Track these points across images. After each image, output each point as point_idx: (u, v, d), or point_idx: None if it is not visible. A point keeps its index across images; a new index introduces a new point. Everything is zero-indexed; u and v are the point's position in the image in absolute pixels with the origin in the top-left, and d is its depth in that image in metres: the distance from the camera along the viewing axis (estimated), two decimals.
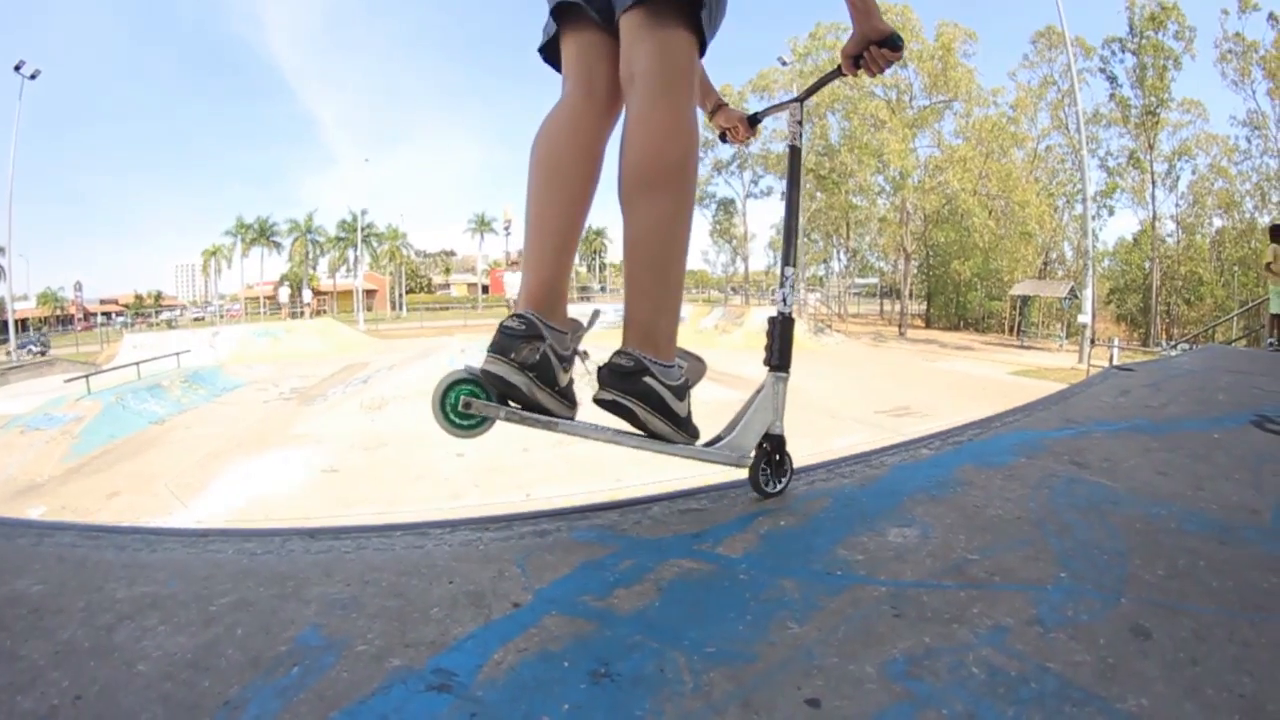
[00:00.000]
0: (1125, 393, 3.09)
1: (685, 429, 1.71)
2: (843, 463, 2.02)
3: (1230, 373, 3.80)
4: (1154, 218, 42.35)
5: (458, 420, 1.58)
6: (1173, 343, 35.58)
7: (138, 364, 19.33)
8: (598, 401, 1.64)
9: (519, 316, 1.58)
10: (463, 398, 1.56)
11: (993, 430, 2.49)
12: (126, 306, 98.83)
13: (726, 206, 52.94)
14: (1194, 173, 41.60)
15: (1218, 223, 42.12)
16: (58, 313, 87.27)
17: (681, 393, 1.70)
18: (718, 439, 1.79)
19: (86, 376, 16.64)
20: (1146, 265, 43.15)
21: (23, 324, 68.98)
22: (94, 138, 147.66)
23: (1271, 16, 35.57)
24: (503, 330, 1.57)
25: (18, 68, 37.28)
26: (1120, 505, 1.75)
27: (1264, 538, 1.59)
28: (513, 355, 1.55)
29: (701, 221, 62.39)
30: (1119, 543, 1.52)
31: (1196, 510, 1.74)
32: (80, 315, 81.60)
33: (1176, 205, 42.88)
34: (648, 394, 1.62)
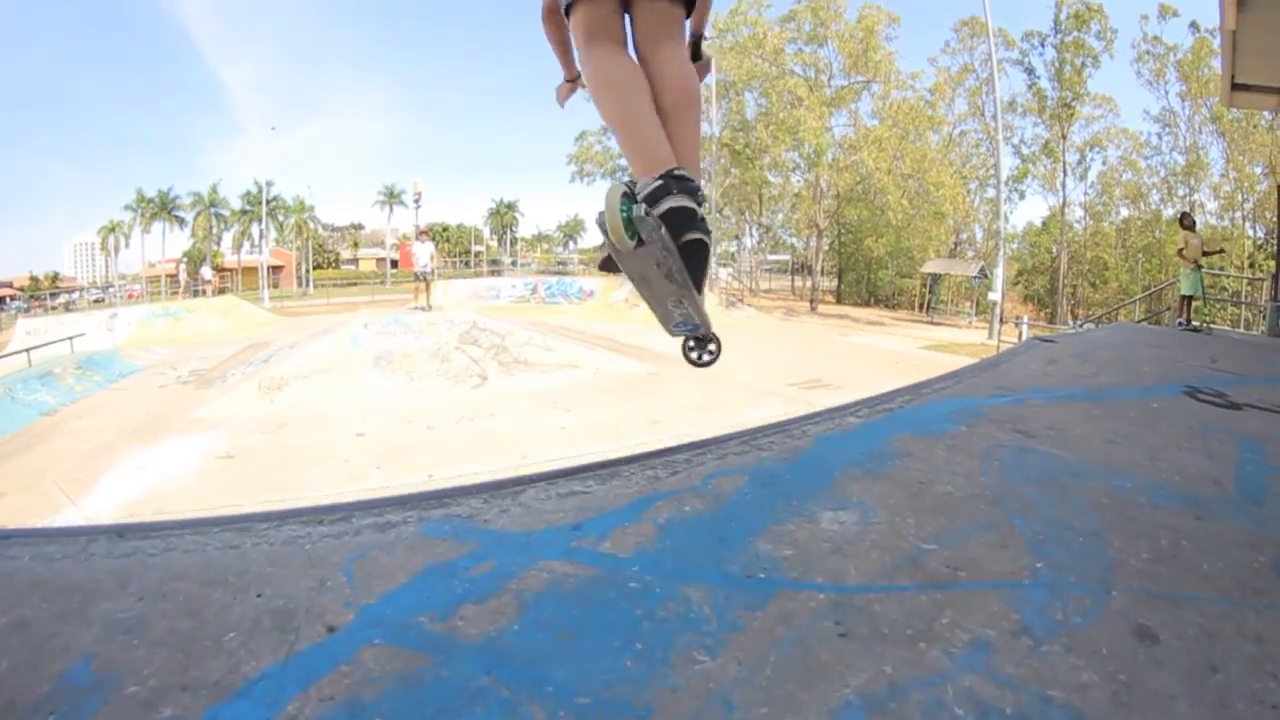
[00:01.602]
0: (1053, 362, 3.08)
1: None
2: (759, 434, 1.68)
3: (1148, 347, 3.85)
4: (1064, 204, 43.77)
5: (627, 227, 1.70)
6: (1079, 322, 36.93)
7: (28, 351, 18.07)
8: (673, 209, 1.82)
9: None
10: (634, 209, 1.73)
11: (924, 397, 2.27)
12: (21, 290, 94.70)
13: None
14: (1104, 163, 43.11)
15: (1124, 212, 43.74)
16: None
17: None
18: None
19: None
20: (1054, 249, 44.71)
21: None
22: None
23: (1193, 24, 36.94)
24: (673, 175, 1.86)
25: None
26: (1079, 477, 1.54)
27: (1236, 511, 1.45)
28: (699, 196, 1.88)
29: None
30: (1090, 521, 1.29)
31: (1160, 482, 1.57)
32: None
33: (1085, 194, 44.36)
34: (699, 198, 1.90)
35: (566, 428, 9.10)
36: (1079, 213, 45.11)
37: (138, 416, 12.75)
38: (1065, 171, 43.42)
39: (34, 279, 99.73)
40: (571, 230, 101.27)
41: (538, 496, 1.36)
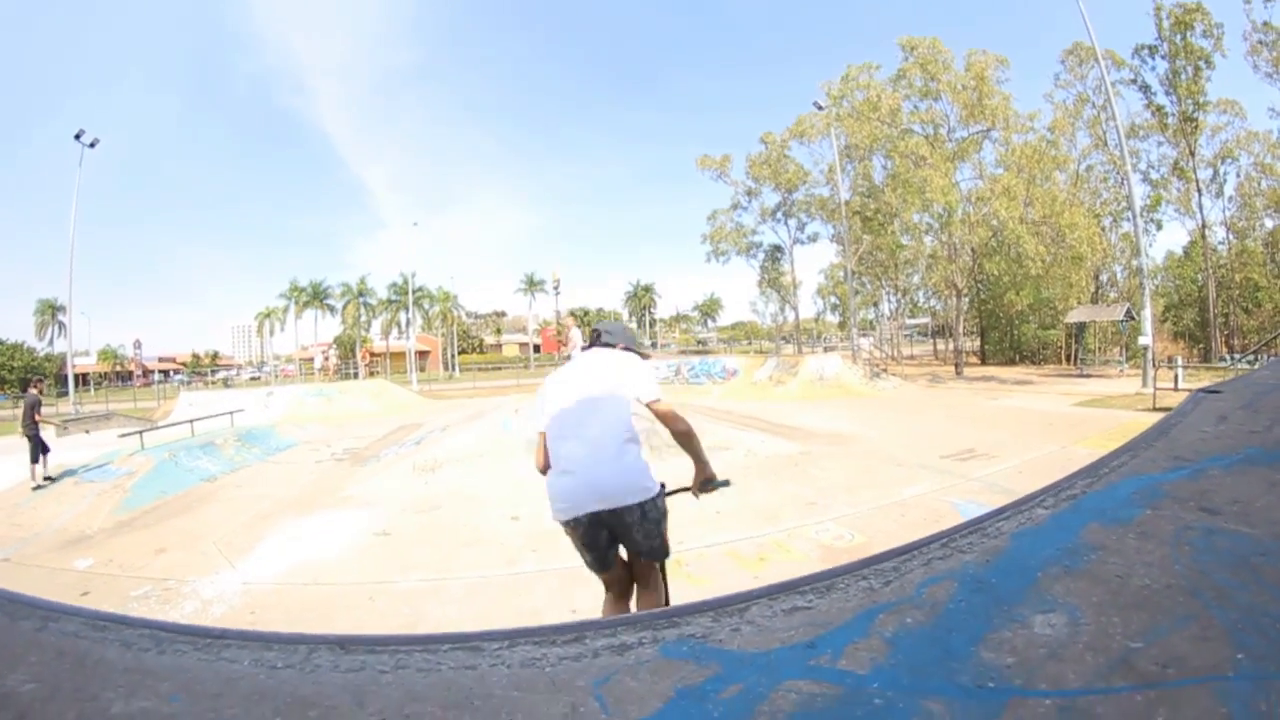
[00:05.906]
0: (1224, 419, 2.86)
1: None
2: (956, 534, 1.74)
3: None
4: (1203, 226, 40.70)
5: None
6: (1236, 356, 34.31)
7: (191, 422, 19.44)
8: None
9: None
10: None
11: (1104, 479, 2.26)
12: (184, 365, 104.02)
13: (773, 253, 49.96)
14: (1239, 174, 40.14)
15: (1269, 224, 40.54)
16: (117, 369, 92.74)
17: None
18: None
19: (140, 432, 16.72)
20: (1199, 277, 41.90)
21: (83, 379, 72.70)
22: (153, 203, 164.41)
23: None
24: None
25: (78, 136, 37.80)
26: (1269, 556, 1.49)
27: None
28: None
29: (749, 271, 61.84)
30: None
31: None
32: (139, 372, 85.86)
33: (1224, 210, 41.32)
34: None
35: (721, 512, 9.06)
36: (1221, 233, 42.29)
37: (294, 489, 13.51)
38: (1199, 190, 40.75)
39: (195, 356, 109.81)
40: (709, 309, 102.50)
41: (763, 613, 1.42)
